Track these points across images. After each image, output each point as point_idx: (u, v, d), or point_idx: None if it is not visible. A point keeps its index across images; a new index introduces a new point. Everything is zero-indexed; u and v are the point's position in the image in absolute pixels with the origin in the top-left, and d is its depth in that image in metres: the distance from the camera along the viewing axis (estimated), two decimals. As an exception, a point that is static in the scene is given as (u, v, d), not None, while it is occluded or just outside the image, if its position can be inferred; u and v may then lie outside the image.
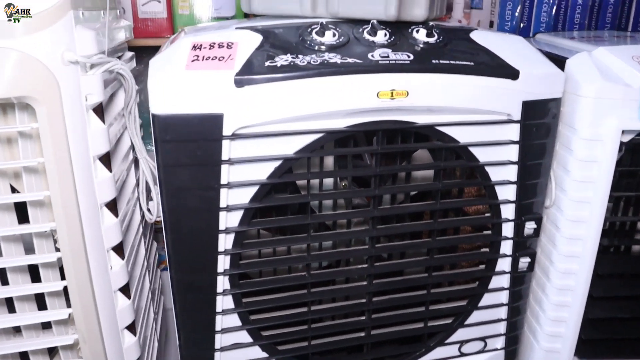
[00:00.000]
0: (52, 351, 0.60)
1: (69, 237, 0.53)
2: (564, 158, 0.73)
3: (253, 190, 0.61)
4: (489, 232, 0.74)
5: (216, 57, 0.58)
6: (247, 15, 0.98)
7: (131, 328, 0.63)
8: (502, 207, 0.72)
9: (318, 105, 0.59)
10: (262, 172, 0.61)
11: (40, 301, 0.57)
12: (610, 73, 0.69)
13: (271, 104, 0.58)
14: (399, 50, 0.62)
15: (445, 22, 0.85)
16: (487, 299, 0.76)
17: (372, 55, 0.60)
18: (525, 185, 0.71)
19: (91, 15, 0.56)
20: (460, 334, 0.77)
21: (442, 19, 1.06)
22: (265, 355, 0.69)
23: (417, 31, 0.65)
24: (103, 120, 0.56)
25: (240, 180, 0.60)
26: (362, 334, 0.73)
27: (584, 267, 0.74)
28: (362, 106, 0.60)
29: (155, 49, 0.75)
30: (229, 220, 0.62)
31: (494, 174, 0.69)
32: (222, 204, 0.60)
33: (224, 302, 0.65)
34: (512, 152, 0.69)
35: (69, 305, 0.56)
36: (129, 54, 0.75)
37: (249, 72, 0.57)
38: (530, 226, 0.73)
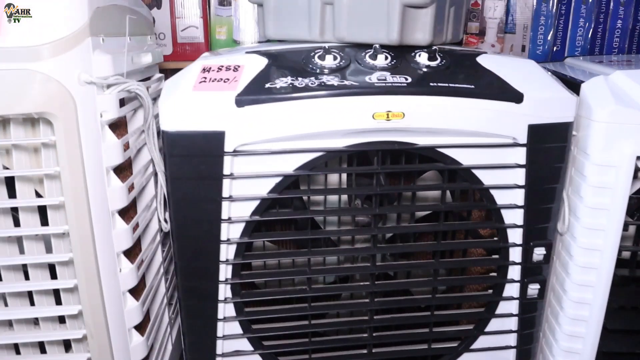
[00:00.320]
0: (67, 345, 0.66)
1: (80, 239, 0.59)
2: (578, 184, 0.71)
3: (255, 204, 0.65)
4: (497, 256, 0.73)
5: (222, 79, 0.62)
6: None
7: (139, 328, 0.68)
8: (510, 232, 0.71)
9: (315, 125, 0.61)
10: (264, 187, 0.64)
11: (58, 297, 0.63)
12: (626, 97, 0.67)
13: (270, 123, 0.61)
14: (398, 73, 0.64)
15: (470, 48, 0.86)
16: (494, 325, 0.75)
17: (370, 78, 0.62)
18: (535, 209, 0.70)
19: (113, 41, 0.63)
20: (465, 359, 0.76)
21: (472, 43, 1.06)
22: (265, 364, 0.72)
23: (420, 55, 0.66)
24: (118, 135, 0.62)
25: (240, 195, 0.64)
26: (364, 351, 0.74)
27: (597, 298, 0.71)
28: (358, 127, 0.62)
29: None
30: (232, 231, 0.65)
31: (500, 197, 0.69)
32: (224, 216, 0.64)
33: (225, 310, 0.68)
34: (519, 176, 0.68)
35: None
36: (158, 75, 0.81)
37: (249, 93, 0.60)
38: (539, 252, 0.71)
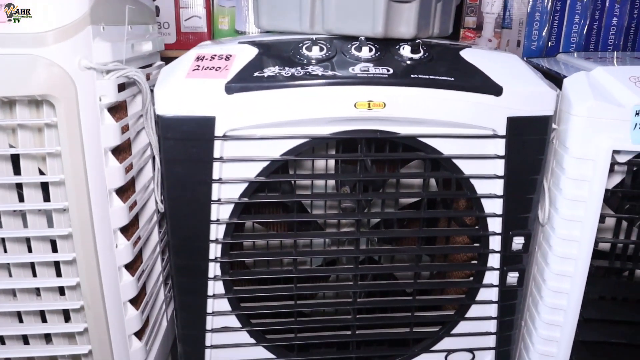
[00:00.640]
0: (67, 315, 0.70)
1: (79, 215, 0.63)
2: (557, 176, 0.73)
3: (243, 186, 0.68)
4: (478, 244, 0.75)
5: (214, 67, 0.66)
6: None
7: (134, 302, 0.72)
8: (490, 221, 0.73)
9: (300, 113, 0.65)
10: (252, 170, 0.68)
11: (58, 269, 0.68)
12: (605, 93, 0.69)
13: (258, 109, 0.64)
14: (381, 65, 0.67)
15: (456, 42, 0.88)
16: (475, 311, 0.77)
17: (353, 69, 0.66)
18: (514, 200, 0.72)
19: (113, 29, 0.67)
20: (446, 343, 0.79)
21: (469, 38, 1.09)
22: (252, 341, 0.76)
23: (403, 48, 0.69)
24: (117, 119, 0.66)
25: (229, 177, 0.67)
26: (349, 332, 0.77)
27: (575, 288, 0.73)
28: (341, 115, 0.65)
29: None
30: (221, 212, 0.69)
31: (481, 186, 0.71)
32: (214, 197, 0.68)
33: (215, 287, 0.72)
34: (499, 166, 0.70)
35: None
36: (159, 62, 0.85)
37: (238, 81, 0.64)
38: (518, 241, 0.73)
